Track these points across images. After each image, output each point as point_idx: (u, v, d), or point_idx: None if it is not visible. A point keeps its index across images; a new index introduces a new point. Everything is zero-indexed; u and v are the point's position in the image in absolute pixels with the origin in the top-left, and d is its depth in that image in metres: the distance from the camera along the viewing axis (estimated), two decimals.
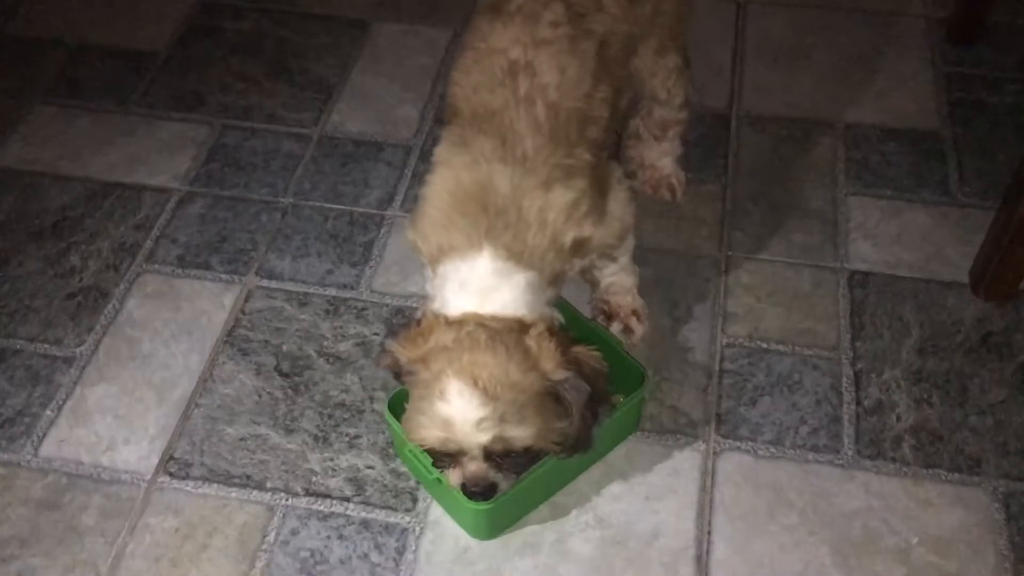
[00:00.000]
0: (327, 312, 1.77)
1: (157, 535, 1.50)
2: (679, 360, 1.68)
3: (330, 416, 1.63)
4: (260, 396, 1.66)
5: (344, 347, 1.72)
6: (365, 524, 1.51)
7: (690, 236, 1.87)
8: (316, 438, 1.61)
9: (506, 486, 1.35)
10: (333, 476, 1.56)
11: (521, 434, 1.27)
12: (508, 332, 1.30)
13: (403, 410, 1.39)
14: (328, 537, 1.50)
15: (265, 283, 1.82)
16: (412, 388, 1.33)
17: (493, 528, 1.48)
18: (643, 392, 1.51)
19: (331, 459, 1.58)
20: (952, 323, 1.72)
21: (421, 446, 1.33)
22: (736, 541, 1.49)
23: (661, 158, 1.88)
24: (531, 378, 1.28)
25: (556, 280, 1.41)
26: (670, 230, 1.87)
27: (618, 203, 1.49)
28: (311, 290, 1.80)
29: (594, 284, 1.68)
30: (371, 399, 1.64)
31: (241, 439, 1.61)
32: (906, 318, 1.73)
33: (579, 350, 1.35)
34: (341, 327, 1.75)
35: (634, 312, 1.67)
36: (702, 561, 1.47)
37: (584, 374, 1.32)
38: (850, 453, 1.57)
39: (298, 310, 1.77)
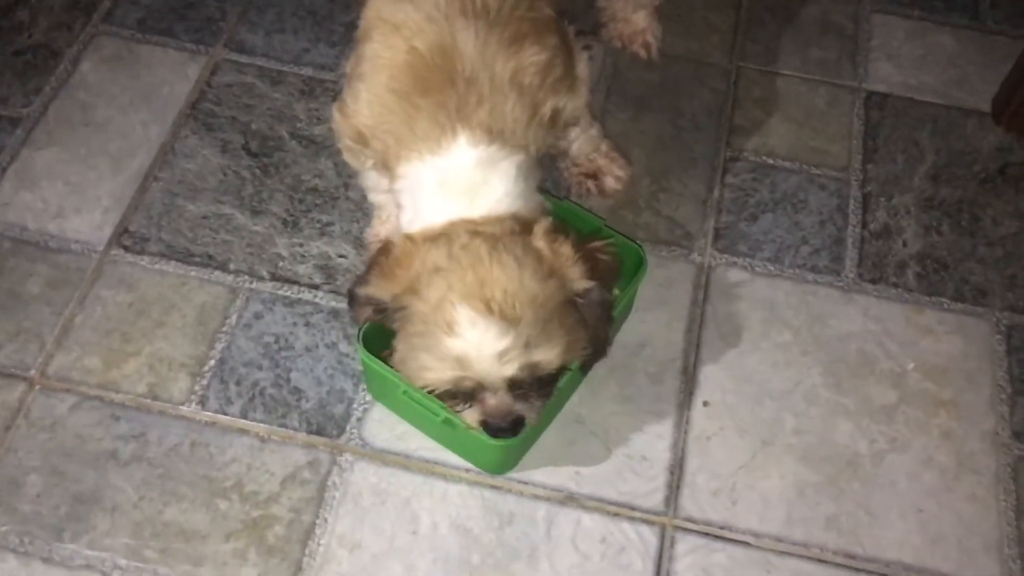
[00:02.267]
0: (302, 92, 1.62)
1: (109, 308, 1.39)
2: (679, 170, 1.57)
3: (301, 201, 1.51)
4: (225, 174, 1.53)
5: (319, 131, 1.58)
6: (334, 313, 1.41)
7: (700, 43, 1.73)
8: (285, 222, 1.49)
9: (534, 416, 1.14)
10: (302, 263, 1.45)
11: (550, 356, 1.06)
12: (511, 237, 1.07)
13: (383, 345, 1.19)
14: (294, 324, 1.40)
15: (235, 57, 1.66)
16: (404, 324, 1.09)
17: (516, 460, 1.29)
18: (644, 274, 1.34)
19: (300, 245, 1.46)
20: (969, 152, 1.62)
21: (426, 389, 1.11)
22: (725, 356, 1.41)
23: (636, 10, 1.64)
24: (551, 288, 1.06)
25: (541, 161, 1.19)
26: (679, 35, 1.73)
27: (583, 65, 1.27)
28: (285, 68, 1.65)
29: (561, 154, 1.49)
30: (346, 187, 1.52)
31: (203, 217, 1.48)
32: (922, 143, 1.63)
33: (594, 246, 1.15)
34: (317, 109, 1.60)
35: (613, 162, 1.50)
36: (688, 373, 1.39)
37: (600, 273, 1.12)
38: (851, 276, 1.49)
39: (270, 88, 1.62)
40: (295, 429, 1.32)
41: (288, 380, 1.36)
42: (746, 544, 1.26)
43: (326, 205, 1.50)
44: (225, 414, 1.32)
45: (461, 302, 1.02)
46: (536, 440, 1.29)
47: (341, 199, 1.51)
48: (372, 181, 1.29)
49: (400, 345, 1.11)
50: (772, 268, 1.49)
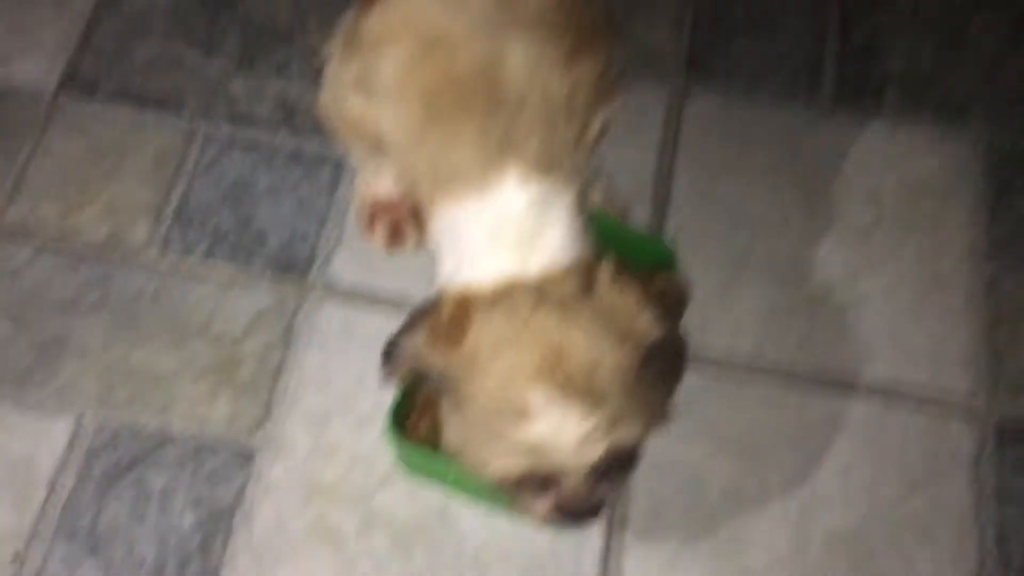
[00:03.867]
0: None
1: (62, 156, 1.35)
2: None
3: (256, 38, 1.45)
4: (176, 12, 1.46)
5: None
6: (296, 155, 1.37)
7: None
8: (240, 62, 1.43)
9: (615, 497, 1.00)
10: (259, 103, 1.40)
11: (636, 429, 0.92)
12: (577, 294, 0.92)
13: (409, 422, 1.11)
14: (254, 166, 1.36)
15: None
16: (460, 402, 0.93)
17: None
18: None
19: (257, 85, 1.41)
20: None
21: (494, 479, 0.95)
22: (698, 183, 1.38)
23: None
24: (629, 349, 0.91)
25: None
26: None
27: None
28: None
29: None
30: (302, 25, 1.45)
31: (154, 58, 1.43)
32: None
33: (659, 283, 1.00)
34: None
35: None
36: (659, 202, 1.36)
37: (669, 312, 0.97)
38: (829, 97, 1.44)
39: None
40: (260, 271, 1.30)
41: (250, 223, 1.33)
42: (718, 365, 1.26)
43: (282, 44, 1.44)
44: (188, 258, 1.30)
45: (535, 382, 0.87)
46: None
47: (297, 36, 1.45)
48: (361, 154, 1.16)
49: (453, 427, 0.97)
50: (748, 91, 1.44)
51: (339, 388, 1.23)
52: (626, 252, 1.00)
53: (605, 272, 0.94)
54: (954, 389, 1.25)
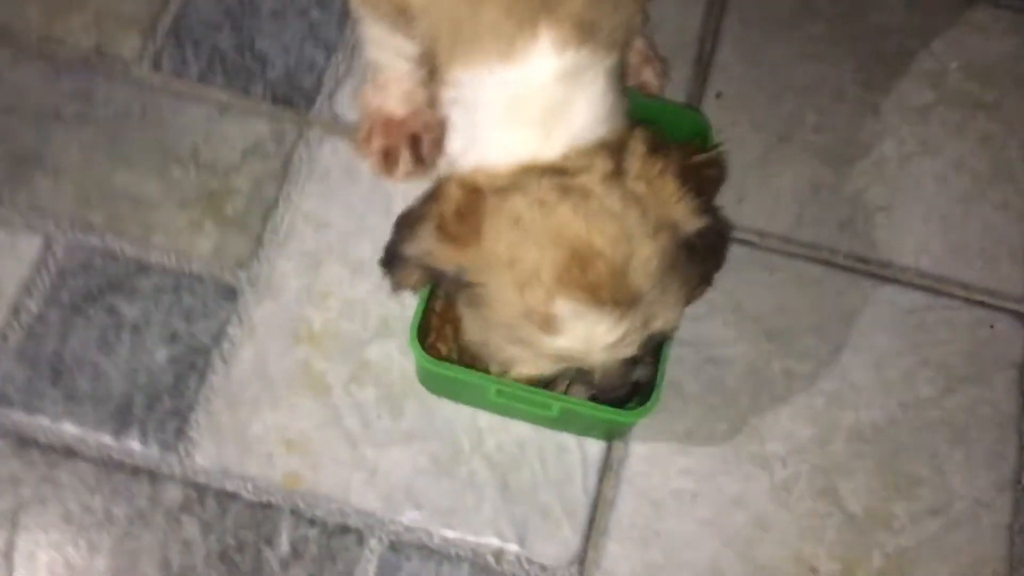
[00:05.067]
0: None
1: None
2: None
3: None
4: None
5: None
6: None
7: None
8: None
9: (647, 375, 0.93)
10: None
11: (670, 319, 0.85)
12: (605, 184, 0.80)
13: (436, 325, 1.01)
14: None
15: None
16: (476, 304, 0.84)
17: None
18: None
19: None
20: None
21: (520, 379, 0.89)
22: (746, 45, 1.25)
23: None
24: (663, 241, 0.81)
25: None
26: None
27: None
28: None
29: None
30: None
31: None
32: None
33: (699, 162, 0.88)
34: None
35: (649, 64, 1.20)
36: (703, 62, 1.24)
37: (709, 192, 0.88)
38: None
39: None
40: (259, 98, 1.19)
41: (252, 46, 1.21)
42: (750, 243, 1.15)
43: None
44: (180, 77, 1.18)
45: (559, 290, 0.78)
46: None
47: None
48: (378, 34, 1.01)
49: (473, 324, 0.87)
50: None
51: (337, 230, 1.12)
52: (657, 123, 0.89)
53: (638, 149, 0.82)
54: (1005, 289, 1.14)
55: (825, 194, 1.18)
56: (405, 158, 1.13)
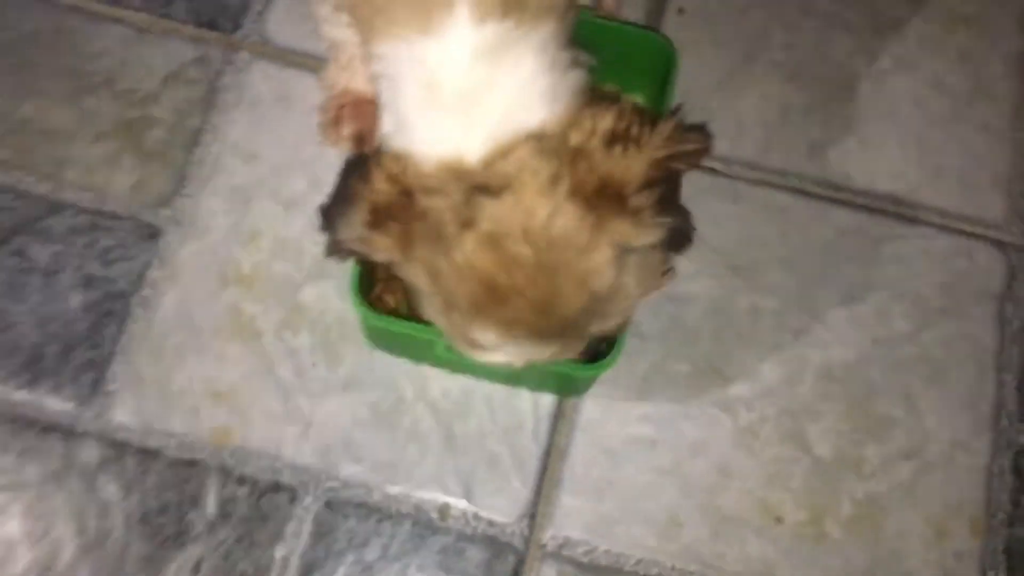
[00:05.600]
0: None
1: None
2: None
3: None
4: None
5: None
6: None
7: None
8: None
9: (603, 345, 0.85)
10: None
11: (618, 322, 0.77)
12: (536, 192, 0.69)
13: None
14: None
15: None
16: (416, 290, 0.77)
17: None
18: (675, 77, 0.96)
19: None
20: None
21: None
22: None
23: None
24: (602, 259, 0.70)
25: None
26: None
27: None
28: None
29: None
30: None
31: None
32: None
33: (673, 151, 0.73)
34: None
35: None
36: None
37: (679, 171, 0.76)
38: None
39: None
40: (181, 21, 1.09)
41: None
42: (712, 171, 1.07)
43: None
44: None
45: (476, 323, 0.71)
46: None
47: None
48: (325, 11, 0.91)
49: (421, 300, 0.77)
50: None
51: (268, 163, 1.03)
52: (617, 49, 0.78)
53: (587, 144, 0.71)
54: (984, 216, 1.07)
55: (793, 117, 1.10)
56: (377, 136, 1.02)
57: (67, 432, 0.93)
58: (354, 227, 0.74)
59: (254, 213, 1.01)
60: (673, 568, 0.93)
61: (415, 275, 0.73)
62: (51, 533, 0.89)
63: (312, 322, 0.98)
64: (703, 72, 1.11)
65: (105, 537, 0.89)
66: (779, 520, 0.95)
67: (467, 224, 0.69)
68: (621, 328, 0.83)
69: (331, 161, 1.03)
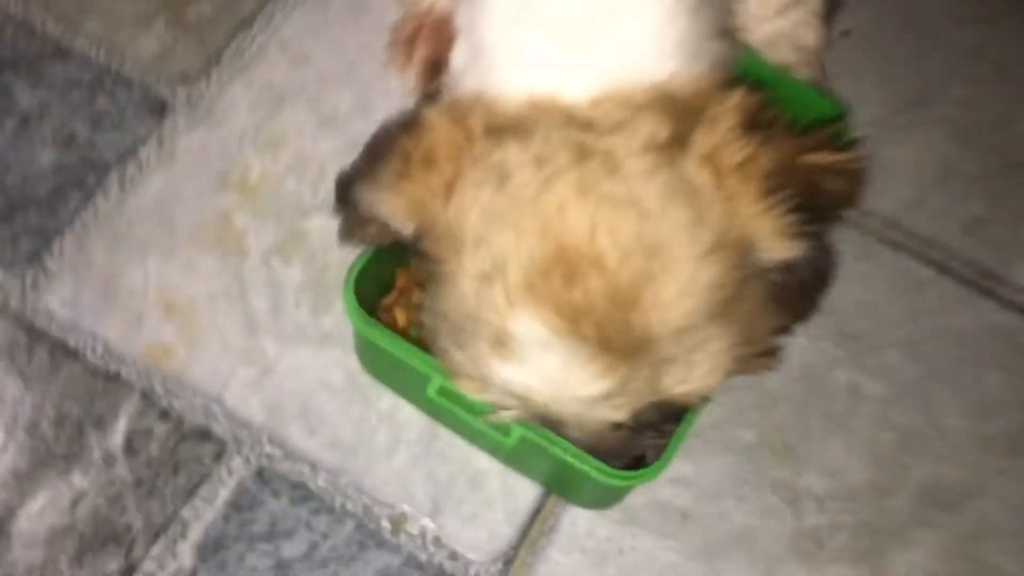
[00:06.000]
0: None
1: None
2: None
3: None
4: None
5: None
6: None
7: None
8: None
9: (654, 455, 0.63)
10: None
11: (697, 383, 0.55)
12: (652, 156, 0.53)
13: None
14: None
15: None
16: (430, 280, 0.59)
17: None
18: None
19: None
20: None
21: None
22: None
23: None
24: (721, 265, 0.53)
25: None
26: None
27: None
28: None
29: None
30: None
31: None
32: None
33: (820, 161, 0.57)
34: None
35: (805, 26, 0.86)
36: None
37: (822, 207, 0.57)
38: None
39: None
40: None
41: None
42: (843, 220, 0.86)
43: None
44: None
45: (523, 303, 0.51)
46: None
47: None
48: None
49: (429, 304, 0.60)
50: None
51: (316, 69, 0.87)
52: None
53: (722, 117, 0.54)
54: None
55: (956, 183, 0.89)
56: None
57: None
58: (378, 184, 0.57)
59: (283, 118, 0.84)
60: None
61: (441, 247, 0.55)
62: None
63: (309, 256, 0.79)
64: (859, 106, 0.90)
65: None
66: None
67: (577, 155, 0.52)
68: (679, 433, 0.62)
69: (388, 89, 0.85)
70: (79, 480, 0.70)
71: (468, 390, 0.57)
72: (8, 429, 0.71)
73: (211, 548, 0.69)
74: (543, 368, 0.52)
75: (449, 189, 0.54)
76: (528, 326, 0.51)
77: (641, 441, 0.62)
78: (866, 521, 0.75)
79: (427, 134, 0.56)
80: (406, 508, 0.72)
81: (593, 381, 0.52)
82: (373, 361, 0.72)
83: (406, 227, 0.57)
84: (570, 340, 0.51)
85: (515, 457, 0.70)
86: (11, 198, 0.78)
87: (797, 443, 0.77)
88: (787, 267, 0.55)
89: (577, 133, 0.53)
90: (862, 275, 0.84)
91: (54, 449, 0.71)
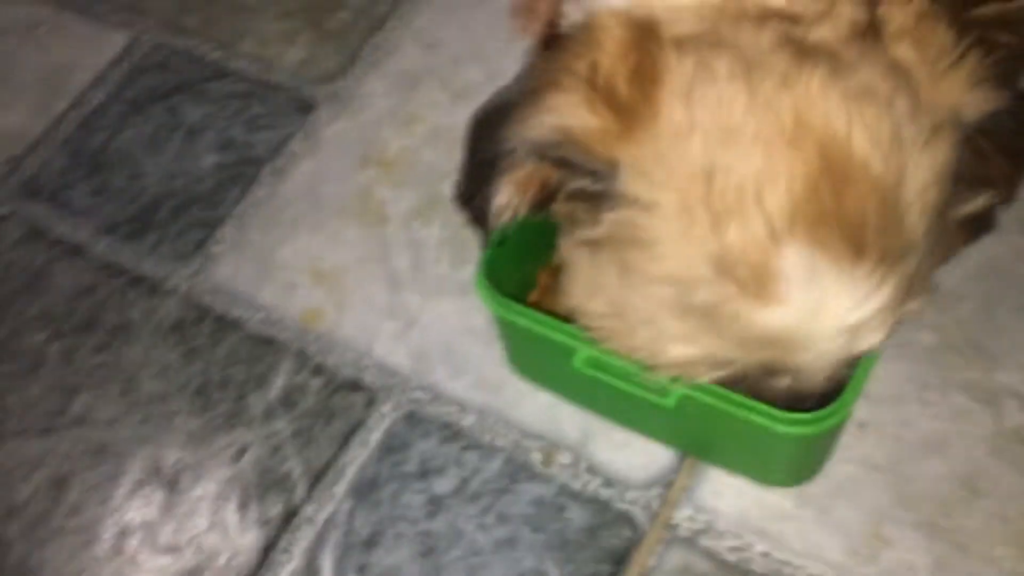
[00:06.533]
0: None
1: None
2: None
3: None
4: None
5: None
6: None
7: None
8: None
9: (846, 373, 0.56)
10: None
11: (926, 289, 0.51)
12: (856, 34, 0.49)
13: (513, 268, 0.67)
14: None
15: None
16: (615, 234, 0.51)
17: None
18: None
19: None
20: None
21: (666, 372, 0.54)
22: None
23: None
24: (943, 145, 0.48)
25: None
26: None
27: None
28: None
29: None
30: None
31: None
32: None
33: (986, 11, 0.54)
34: None
35: None
36: None
37: (1009, 62, 0.53)
38: None
39: None
40: None
41: None
42: None
43: None
44: None
45: (796, 234, 0.45)
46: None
47: None
48: None
49: (600, 278, 0.53)
50: None
51: (447, 51, 0.90)
52: None
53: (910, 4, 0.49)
54: None
55: None
56: None
57: (154, 286, 0.81)
58: (553, 115, 0.49)
59: (418, 98, 0.87)
60: None
61: (648, 185, 0.47)
62: (102, 387, 0.76)
63: (447, 215, 0.80)
64: None
65: (152, 401, 0.75)
66: None
67: (798, 54, 0.47)
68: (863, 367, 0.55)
69: (515, 54, 0.87)
70: (242, 434, 0.72)
71: (681, 355, 0.50)
72: (180, 393, 0.75)
73: (366, 488, 0.69)
74: (811, 300, 0.46)
75: (653, 112, 0.47)
76: (802, 254, 0.45)
77: (840, 376, 0.54)
78: None
79: (608, 45, 0.48)
80: (556, 440, 0.69)
81: (865, 301, 0.46)
82: (518, 350, 0.70)
83: (595, 165, 0.48)
84: (849, 261, 0.45)
85: (681, 430, 0.65)
86: (180, 199, 0.85)
87: (988, 341, 0.69)
88: (990, 128, 0.50)
89: (786, 27, 0.48)
90: None
91: (219, 408, 0.74)
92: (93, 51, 0.96)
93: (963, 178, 0.52)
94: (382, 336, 0.76)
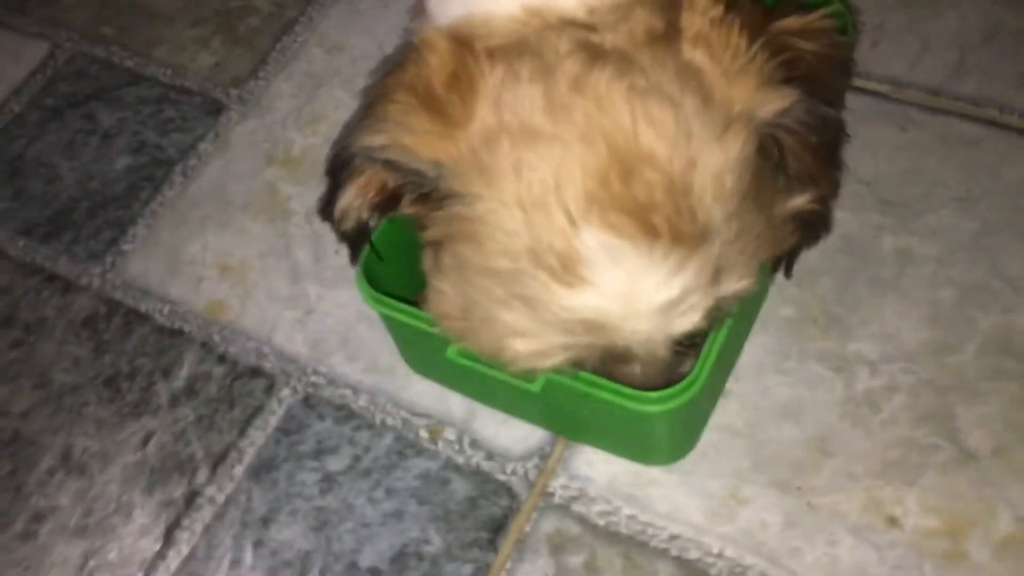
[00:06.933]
0: None
1: None
2: None
3: None
4: None
5: None
6: None
7: None
8: None
9: (689, 366, 0.61)
10: None
11: (745, 277, 0.54)
12: (652, 40, 0.54)
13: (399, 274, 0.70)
14: None
15: None
16: (456, 236, 0.55)
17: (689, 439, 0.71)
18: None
19: None
20: None
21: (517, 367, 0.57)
22: None
23: None
24: (737, 140, 0.52)
25: None
26: None
27: None
28: None
29: None
30: None
31: None
32: None
33: (788, 24, 0.57)
34: None
35: None
36: None
37: (806, 71, 0.56)
38: None
39: None
40: None
41: None
42: (878, 95, 0.83)
43: None
44: None
45: (589, 218, 0.49)
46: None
47: None
48: None
49: (447, 276, 0.57)
50: None
51: (349, 54, 0.94)
52: None
53: (697, 6, 0.54)
54: None
55: (1004, 40, 0.84)
56: None
57: (68, 284, 0.85)
58: (384, 126, 0.54)
59: (321, 99, 0.92)
60: (720, 555, 0.66)
61: (469, 183, 0.52)
62: (16, 381, 0.80)
63: None
64: None
65: (65, 393, 0.79)
66: (892, 521, 0.66)
67: (592, 56, 0.51)
68: (710, 343, 0.60)
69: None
70: (148, 421, 0.76)
71: (523, 349, 0.54)
72: (91, 385, 0.79)
73: (264, 469, 0.73)
74: (616, 281, 0.50)
75: (468, 116, 0.52)
76: (598, 238, 0.49)
77: (685, 361, 0.60)
78: (927, 380, 0.70)
79: (431, 59, 0.53)
80: (442, 418, 0.74)
81: (669, 281, 0.50)
82: (402, 344, 0.74)
83: (424, 168, 0.53)
84: (643, 241, 0.49)
85: (545, 411, 0.70)
86: (94, 200, 0.89)
87: (843, 313, 0.74)
88: (797, 127, 0.54)
89: (583, 34, 0.53)
90: (901, 144, 0.80)
91: (127, 398, 0.78)
92: (13, 63, 0.99)
93: (787, 174, 0.57)
94: (283, 325, 0.80)
